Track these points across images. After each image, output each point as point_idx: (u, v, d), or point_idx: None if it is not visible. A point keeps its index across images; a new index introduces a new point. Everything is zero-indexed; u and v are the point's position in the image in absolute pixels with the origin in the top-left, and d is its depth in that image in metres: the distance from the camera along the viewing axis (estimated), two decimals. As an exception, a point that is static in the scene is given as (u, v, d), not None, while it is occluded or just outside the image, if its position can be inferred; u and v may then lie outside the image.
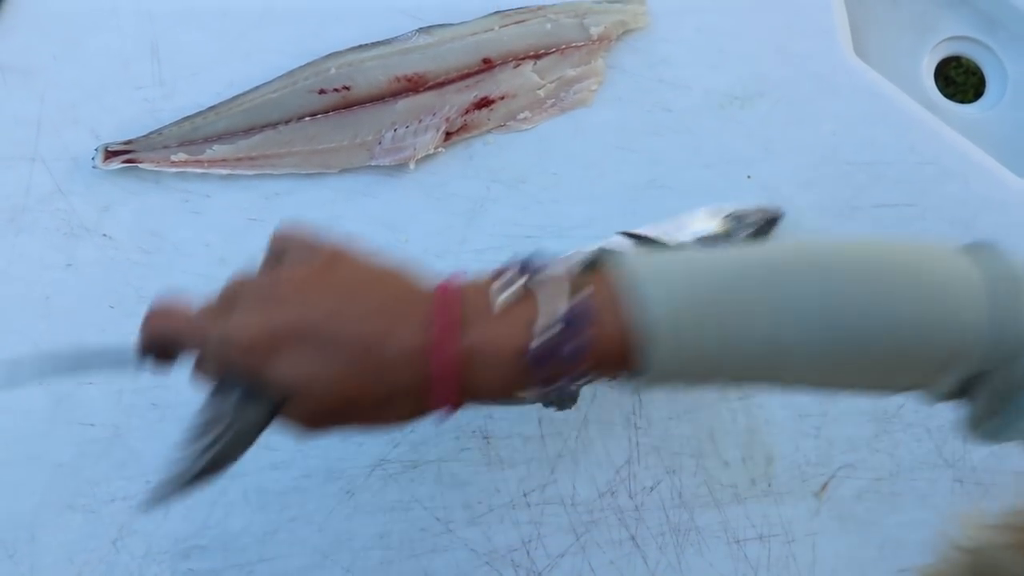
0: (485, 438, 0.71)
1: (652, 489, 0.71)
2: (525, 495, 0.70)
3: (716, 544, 0.70)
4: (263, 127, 0.78)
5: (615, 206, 0.78)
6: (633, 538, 0.70)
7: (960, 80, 1.31)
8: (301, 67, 0.79)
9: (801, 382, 0.47)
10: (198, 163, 0.76)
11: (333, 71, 0.79)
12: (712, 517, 0.71)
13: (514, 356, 0.42)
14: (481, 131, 0.80)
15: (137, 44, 0.81)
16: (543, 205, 0.78)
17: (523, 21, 0.82)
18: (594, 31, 0.82)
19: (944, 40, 0.93)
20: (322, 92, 0.78)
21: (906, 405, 0.75)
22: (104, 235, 0.75)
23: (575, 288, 0.43)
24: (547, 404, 0.47)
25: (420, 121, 0.79)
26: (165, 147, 0.76)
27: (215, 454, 0.44)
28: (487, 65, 0.81)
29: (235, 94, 0.79)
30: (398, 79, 0.79)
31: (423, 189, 0.78)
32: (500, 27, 0.81)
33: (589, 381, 0.44)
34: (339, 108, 0.78)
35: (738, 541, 0.71)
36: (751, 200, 0.77)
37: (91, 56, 0.81)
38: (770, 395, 0.74)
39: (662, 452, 0.72)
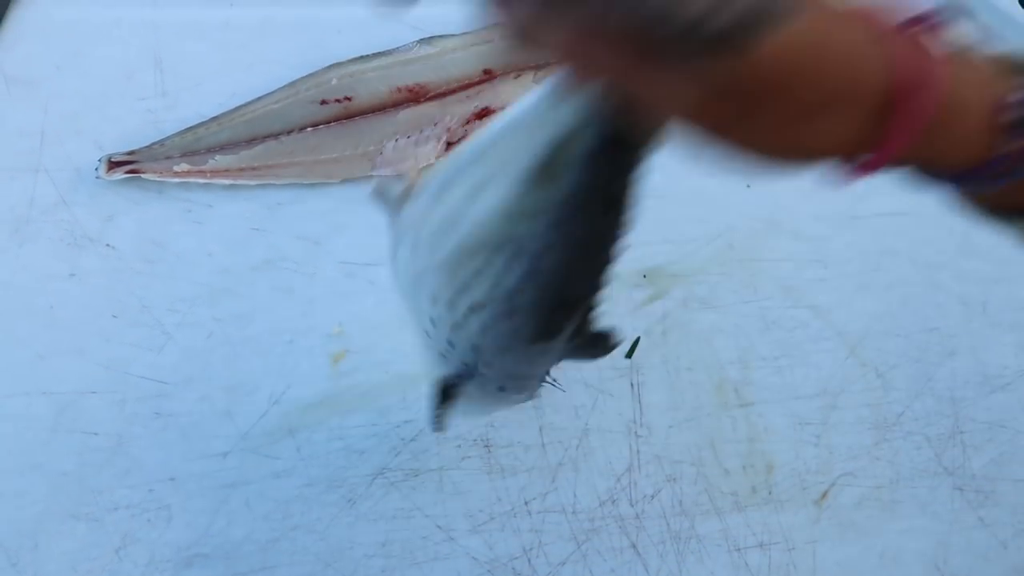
0: (486, 446, 0.72)
1: (653, 497, 0.71)
2: (526, 503, 0.71)
3: (717, 552, 0.71)
4: (265, 137, 0.78)
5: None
6: (634, 546, 0.70)
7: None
8: (303, 78, 0.80)
9: None
10: (201, 173, 0.77)
11: (335, 82, 0.79)
12: (713, 525, 0.71)
13: (989, 111, 0.34)
14: (482, 141, 0.80)
15: (140, 55, 0.82)
16: (544, 214, 0.79)
17: (523, 32, 0.82)
18: (594, 41, 0.82)
19: (942, 49, 0.93)
20: (324, 103, 0.79)
21: (906, 413, 0.75)
22: (107, 245, 0.76)
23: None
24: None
25: (421, 131, 0.79)
26: (168, 157, 0.77)
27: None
28: (488, 75, 0.81)
29: (237, 105, 0.79)
30: (399, 90, 0.80)
31: (424, 199, 0.79)
32: (501, 37, 0.82)
33: None
34: (341, 119, 0.79)
35: (739, 549, 0.71)
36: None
37: (94, 67, 0.81)
38: (770, 404, 0.75)
39: (663, 460, 0.72)
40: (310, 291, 0.75)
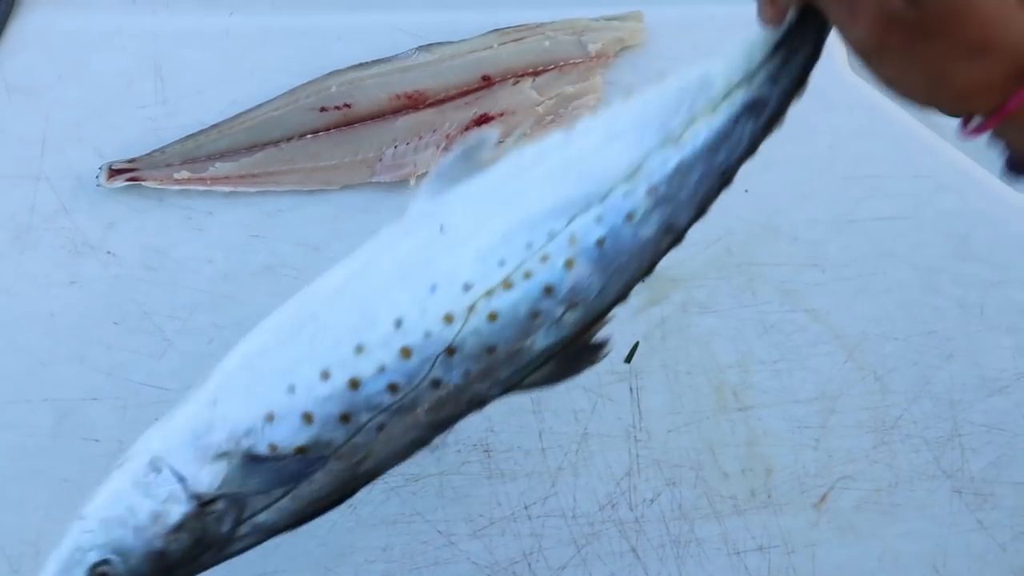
0: (486, 451, 0.72)
1: (652, 501, 0.72)
2: (526, 508, 0.71)
3: (716, 555, 0.71)
4: (265, 145, 0.78)
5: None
6: (634, 550, 0.70)
7: (956, 93, 1.31)
8: (302, 85, 0.80)
9: None
10: (201, 181, 0.77)
11: (334, 89, 0.79)
12: (712, 529, 0.71)
13: None
14: (481, 147, 0.81)
15: (140, 63, 0.82)
16: (542, 220, 0.79)
17: (522, 39, 0.83)
18: (592, 48, 0.83)
19: (938, 54, 0.93)
20: (323, 110, 0.79)
21: (904, 416, 0.75)
22: (108, 252, 0.76)
23: None
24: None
25: (420, 138, 0.79)
26: (168, 165, 0.77)
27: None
28: (486, 82, 0.81)
29: (237, 112, 0.79)
30: (398, 96, 0.80)
31: (423, 205, 0.79)
32: (499, 45, 0.82)
33: None
34: (340, 126, 0.79)
35: (738, 552, 0.71)
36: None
37: (95, 75, 0.82)
38: (769, 407, 0.75)
39: (662, 464, 0.73)
40: (310, 297, 0.75)
